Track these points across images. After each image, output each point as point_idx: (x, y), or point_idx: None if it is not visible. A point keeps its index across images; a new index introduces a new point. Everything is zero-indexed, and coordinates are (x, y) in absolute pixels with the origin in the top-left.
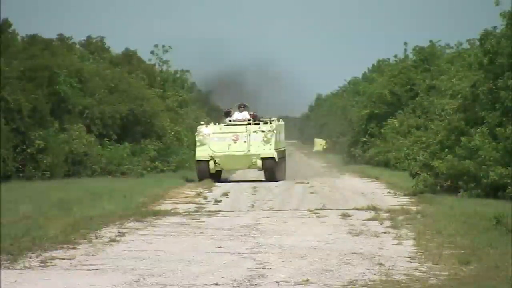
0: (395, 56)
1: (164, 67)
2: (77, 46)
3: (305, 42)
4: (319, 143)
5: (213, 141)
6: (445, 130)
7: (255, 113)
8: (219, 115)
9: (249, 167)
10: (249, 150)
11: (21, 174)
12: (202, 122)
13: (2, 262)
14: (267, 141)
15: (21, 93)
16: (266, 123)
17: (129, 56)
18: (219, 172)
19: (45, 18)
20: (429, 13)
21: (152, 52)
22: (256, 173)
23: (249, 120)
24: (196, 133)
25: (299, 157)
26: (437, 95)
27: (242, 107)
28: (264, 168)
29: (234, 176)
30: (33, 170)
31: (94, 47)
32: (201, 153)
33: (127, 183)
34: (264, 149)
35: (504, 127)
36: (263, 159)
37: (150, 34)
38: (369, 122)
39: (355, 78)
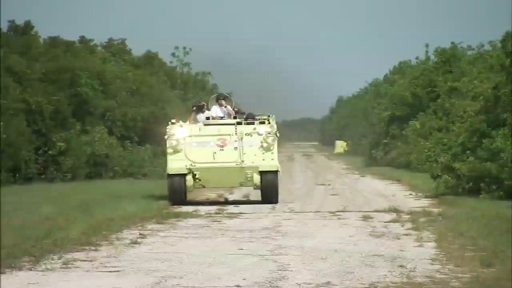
0: (417, 57)
1: (185, 69)
2: (99, 48)
3: (326, 45)
4: (340, 145)
5: (191, 147)
6: (466, 132)
7: (236, 109)
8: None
9: (241, 185)
10: (242, 161)
11: (42, 176)
12: (173, 120)
13: (24, 263)
14: (267, 148)
15: (43, 95)
16: (263, 122)
17: (151, 58)
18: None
19: (67, 20)
20: (451, 15)
21: (173, 54)
22: (241, 192)
23: (234, 116)
24: (166, 136)
25: (320, 159)
26: (458, 97)
27: (222, 99)
28: (263, 186)
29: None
30: (55, 172)
31: (116, 49)
32: (175, 164)
33: (148, 185)
34: (263, 159)
35: None
36: (262, 173)
37: (172, 36)
38: (391, 124)
39: (377, 79)
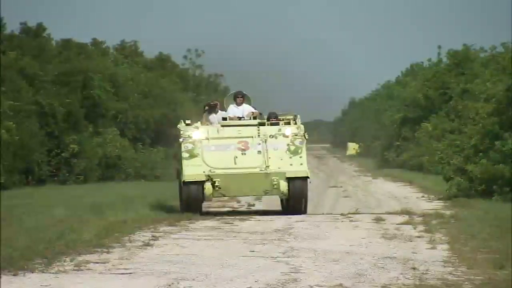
0: (429, 59)
1: (198, 72)
2: (111, 50)
3: (338, 46)
4: (352, 147)
5: (210, 151)
6: (479, 134)
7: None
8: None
9: (265, 193)
10: (267, 166)
11: (55, 178)
12: (187, 121)
13: (36, 265)
14: (294, 151)
15: (56, 97)
16: (288, 123)
17: (163, 61)
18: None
19: (80, 22)
20: (463, 17)
21: (185, 57)
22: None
23: (254, 117)
24: (180, 139)
25: (332, 161)
26: (471, 99)
27: (240, 98)
28: (291, 194)
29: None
30: (67, 174)
31: (128, 52)
32: (191, 170)
33: (161, 187)
34: (291, 164)
35: None
36: (290, 180)
37: (184, 38)
38: (403, 126)
39: (389, 81)
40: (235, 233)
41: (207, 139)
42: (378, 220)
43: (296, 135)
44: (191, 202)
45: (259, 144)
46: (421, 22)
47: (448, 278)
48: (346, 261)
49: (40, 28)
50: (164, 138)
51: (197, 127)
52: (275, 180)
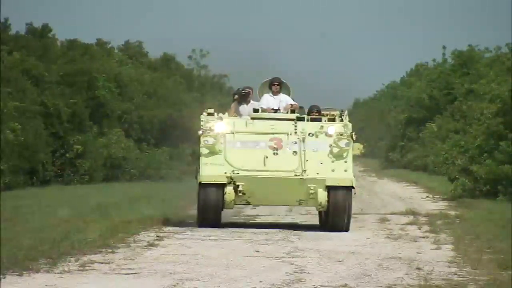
0: (434, 60)
1: (202, 72)
2: (116, 51)
3: (343, 46)
4: (357, 147)
5: (234, 148)
6: (484, 134)
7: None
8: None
9: (299, 203)
10: (303, 171)
11: (60, 179)
12: (209, 110)
13: (41, 265)
14: (338, 155)
15: (60, 98)
16: (332, 119)
17: (167, 61)
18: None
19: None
20: (468, 17)
21: (190, 57)
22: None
23: (292, 110)
24: (200, 132)
25: None
26: (475, 99)
27: (276, 85)
28: (330, 206)
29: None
30: (72, 175)
31: (133, 52)
32: (210, 169)
33: (165, 187)
34: (333, 170)
35: None
36: (330, 189)
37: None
38: (407, 126)
39: (393, 82)
40: (239, 233)
41: (233, 133)
42: (383, 220)
43: (341, 135)
44: (208, 209)
45: (295, 143)
46: (425, 22)
47: (453, 279)
48: (351, 262)
49: (46, 28)
50: (168, 139)
51: (221, 118)
52: (312, 188)
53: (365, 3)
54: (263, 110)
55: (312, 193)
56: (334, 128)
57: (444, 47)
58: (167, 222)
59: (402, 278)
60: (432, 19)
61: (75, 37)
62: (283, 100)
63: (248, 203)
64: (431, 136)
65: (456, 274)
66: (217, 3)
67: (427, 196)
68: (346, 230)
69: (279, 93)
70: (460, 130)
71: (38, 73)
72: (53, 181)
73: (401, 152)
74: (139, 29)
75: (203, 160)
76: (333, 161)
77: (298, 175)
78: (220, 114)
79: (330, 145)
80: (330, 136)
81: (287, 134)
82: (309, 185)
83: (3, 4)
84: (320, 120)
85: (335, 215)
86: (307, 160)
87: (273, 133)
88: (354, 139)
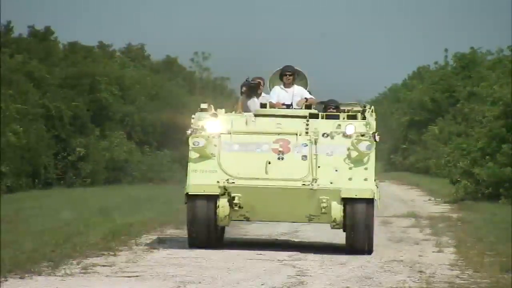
0: (436, 62)
1: (204, 74)
2: (118, 53)
3: (344, 49)
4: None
5: (231, 151)
6: (486, 137)
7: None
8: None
9: (309, 220)
10: (314, 179)
11: (62, 181)
12: (203, 105)
13: (43, 268)
14: (357, 160)
15: (63, 100)
16: (353, 116)
17: (170, 63)
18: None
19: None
20: (470, 20)
21: (192, 60)
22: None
23: (307, 105)
24: (189, 131)
25: None
26: (477, 102)
27: (288, 76)
28: (348, 223)
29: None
30: (74, 177)
31: (135, 55)
32: (200, 177)
33: (167, 190)
34: (351, 179)
35: None
36: (347, 202)
37: (191, 41)
38: (409, 129)
39: (395, 84)
40: (241, 236)
41: (229, 133)
42: (385, 223)
43: (362, 135)
44: (197, 226)
45: (306, 145)
46: (427, 25)
47: (455, 282)
48: (353, 264)
49: (48, 31)
50: (170, 141)
51: (215, 115)
52: (325, 201)
53: (367, 5)
54: (272, 106)
55: (324, 207)
56: (353, 127)
57: (446, 50)
58: (169, 225)
59: (404, 281)
60: (434, 22)
61: (77, 40)
62: (297, 93)
63: (247, 219)
64: (433, 138)
65: (458, 277)
66: (219, 5)
67: (429, 199)
68: (369, 252)
69: (293, 85)
70: (462, 132)
71: (40, 75)
72: (55, 184)
73: (403, 154)
74: (141, 31)
75: (191, 166)
76: (350, 168)
77: (307, 185)
78: (219, 110)
79: (348, 148)
80: (349, 136)
81: (296, 134)
82: (320, 197)
83: (5, 7)
84: (337, 117)
85: (353, 234)
86: (319, 167)
87: (279, 133)
88: (377, 140)
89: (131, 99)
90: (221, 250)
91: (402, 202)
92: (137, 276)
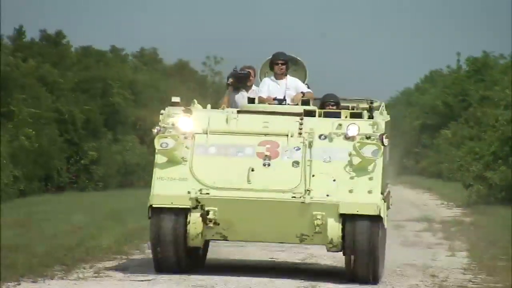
0: (448, 66)
1: (217, 79)
2: (130, 57)
3: (356, 53)
4: None
5: (206, 155)
6: (498, 141)
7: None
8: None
9: (301, 241)
10: (308, 191)
11: (74, 185)
12: (174, 99)
13: (56, 272)
14: (360, 168)
15: (75, 104)
16: (357, 115)
17: (182, 67)
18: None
19: (99, 30)
20: (483, 24)
21: (204, 63)
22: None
23: (304, 100)
24: (155, 130)
25: None
26: (490, 106)
27: (280, 65)
28: (347, 245)
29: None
30: (87, 181)
31: (147, 59)
32: (167, 187)
33: None
34: (351, 190)
35: None
36: (347, 218)
37: (203, 45)
38: (422, 132)
39: (408, 88)
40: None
41: (205, 133)
42: (398, 227)
43: (367, 138)
44: (164, 246)
45: (298, 149)
46: (440, 29)
47: (468, 286)
48: None
49: (60, 35)
50: None
51: (189, 110)
52: (319, 217)
53: (380, 9)
54: (262, 101)
55: (319, 225)
56: (357, 127)
57: (458, 54)
58: None
59: (417, 285)
60: (447, 26)
61: (89, 44)
62: (291, 85)
63: (224, 237)
64: (445, 142)
65: (471, 281)
66: (232, 10)
67: (442, 203)
68: (374, 281)
69: (285, 75)
70: (475, 136)
71: (53, 80)
72: (67, 188)
73: (416, 158)
74: (154, 36)
75: (157, 172)
76: (352, 177)
77: (298, 198)
78: (197, 105)
79: (350, 153)
80: (351, 139)
81: (287, 135)
82: (314, 212)
83: (17, 11)
84: (338, 115)
85: (357, 258)
86: (313, 175)
87: (265, 134)
88: (386, 144)
89: (143, 103)
90: (234, 254)
91: (414, 206)
92: (149, 280)
